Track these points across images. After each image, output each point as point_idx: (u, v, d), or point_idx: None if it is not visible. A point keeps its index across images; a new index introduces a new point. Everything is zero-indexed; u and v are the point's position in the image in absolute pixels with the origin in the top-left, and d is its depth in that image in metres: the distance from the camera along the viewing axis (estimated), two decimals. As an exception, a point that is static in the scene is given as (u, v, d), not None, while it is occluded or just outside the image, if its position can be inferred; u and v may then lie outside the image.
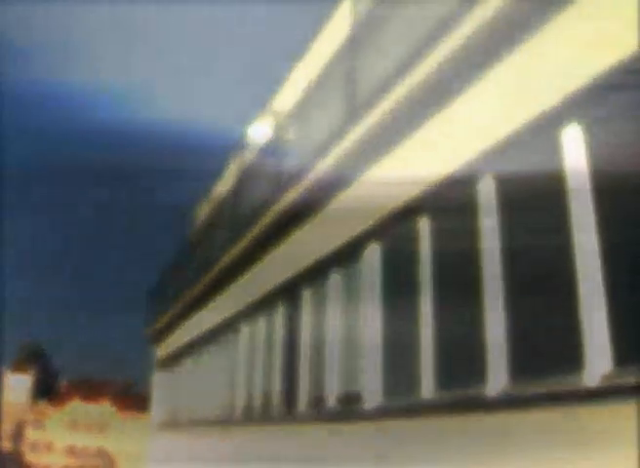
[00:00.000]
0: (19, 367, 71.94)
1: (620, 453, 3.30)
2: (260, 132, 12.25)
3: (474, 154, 4.96)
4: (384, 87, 6.26)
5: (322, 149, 7.84)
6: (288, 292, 8.93)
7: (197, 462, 12.37)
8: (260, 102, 14.38)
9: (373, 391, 6.17)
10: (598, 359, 3.60)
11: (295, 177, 8.63)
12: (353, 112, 7.00)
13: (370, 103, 6.57)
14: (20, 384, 68.69)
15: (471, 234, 4.95)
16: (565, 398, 3.74)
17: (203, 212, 17.79)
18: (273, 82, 13.76)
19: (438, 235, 5.46)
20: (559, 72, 4.16)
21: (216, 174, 17.32)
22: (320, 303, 7.81)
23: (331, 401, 7.09)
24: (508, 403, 4.20)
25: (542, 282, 4.11)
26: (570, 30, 4.12)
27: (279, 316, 9.27)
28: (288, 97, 13.04)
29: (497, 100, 4.82)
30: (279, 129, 10.04)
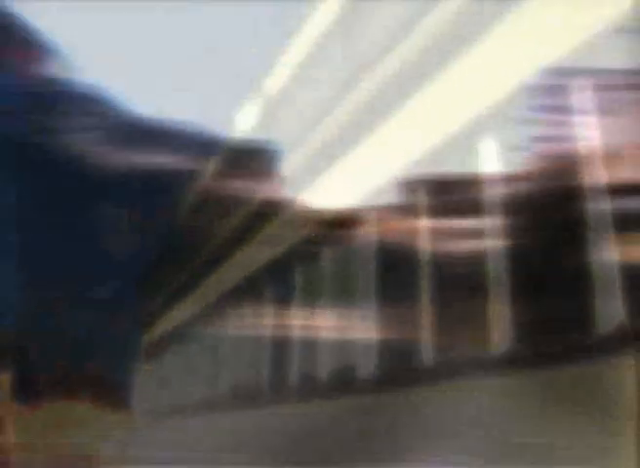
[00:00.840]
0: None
1: (623, 405, 3.28)
2: (247, 118, 12.21)
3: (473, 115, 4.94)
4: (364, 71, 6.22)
5: (297, 142, 7.91)
6: (276, 273, 8.86)
7: (182, 457, 12.25)
8: (248, 90, 14.33)
9: (367, 363, 6.11)
10: (610, 312, 3.57)
11: (278, 164, 8.59)
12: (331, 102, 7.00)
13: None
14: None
15: (475, 207, 4.93)
16: (574, 353, 3.70)
17: (192, 198, 17.72)
18: (261, 71, 13.71)
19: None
20: (559, 28, 4.13)
21: (204, 159, 17.21)
22: (310, 285, 7.75)
23: (323, 377, 7.03)
24: (512, 363, 4.15)
25: (551, 241, 4.08)
26: None
27: (267, 298, 9.19)
28: (276, 83, 12.98)
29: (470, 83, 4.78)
30: (264, 116, 10.01)
